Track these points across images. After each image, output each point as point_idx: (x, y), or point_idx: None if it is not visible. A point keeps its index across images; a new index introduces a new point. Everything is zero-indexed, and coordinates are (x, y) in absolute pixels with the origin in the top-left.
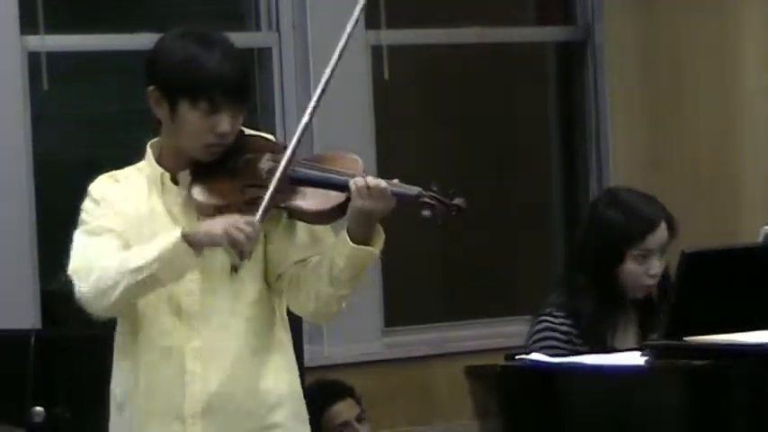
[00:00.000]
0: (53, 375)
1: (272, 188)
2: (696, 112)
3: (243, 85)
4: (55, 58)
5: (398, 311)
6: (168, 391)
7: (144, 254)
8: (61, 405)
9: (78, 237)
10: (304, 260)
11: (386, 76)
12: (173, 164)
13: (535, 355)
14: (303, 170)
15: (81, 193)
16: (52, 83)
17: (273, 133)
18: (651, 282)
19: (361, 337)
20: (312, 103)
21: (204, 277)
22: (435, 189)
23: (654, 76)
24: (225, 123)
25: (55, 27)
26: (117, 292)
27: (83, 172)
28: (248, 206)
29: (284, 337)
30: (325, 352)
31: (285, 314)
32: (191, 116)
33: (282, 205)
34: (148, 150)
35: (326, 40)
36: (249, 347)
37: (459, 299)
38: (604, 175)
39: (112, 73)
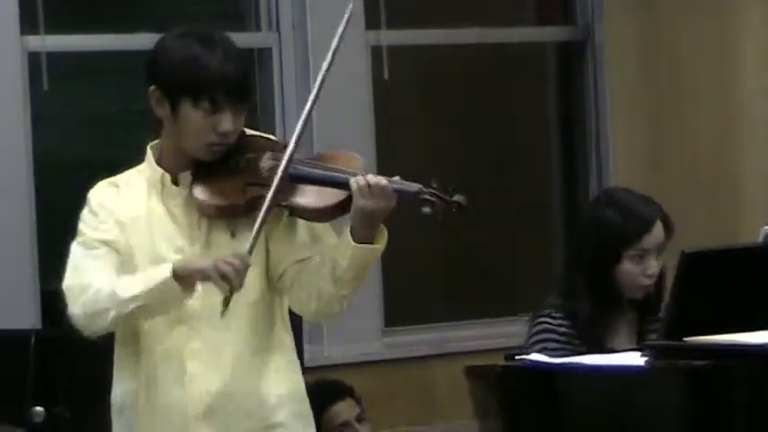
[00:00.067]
0: (53, 375)
1: (274, 187)
2: (696, 112)
3: (244, 85)
4: (55, 58)
5: (398, 311)
6: (169, 393)
7: (135, 285)
8: (61, 405)
9: (74, 250)
10: (305, 259)
11: (386, 76)
12: (173, 165)
13: (535, 356)
14: (304, 168)
15: (81, 193)
16: (52, 83)
17: (273, 133)
18: (648, 282)
19: (361, 337)
20: (308, 105)
21: None
22: (435, 186)
23: (654, 76)
24: (227, 123)
25: (55, 27)
26: (107, 319)
27: (83, 172)
28: (249, 205)
29: (285, 337)
30: (325, 352)
31: (287, 315)
32: (193, 116)
33: (283, 203)
34: (148, 152)
35: (326, 40)
36: (249, 348)
37: (459, 299)
38: (604, 175)
39: (112, 73)
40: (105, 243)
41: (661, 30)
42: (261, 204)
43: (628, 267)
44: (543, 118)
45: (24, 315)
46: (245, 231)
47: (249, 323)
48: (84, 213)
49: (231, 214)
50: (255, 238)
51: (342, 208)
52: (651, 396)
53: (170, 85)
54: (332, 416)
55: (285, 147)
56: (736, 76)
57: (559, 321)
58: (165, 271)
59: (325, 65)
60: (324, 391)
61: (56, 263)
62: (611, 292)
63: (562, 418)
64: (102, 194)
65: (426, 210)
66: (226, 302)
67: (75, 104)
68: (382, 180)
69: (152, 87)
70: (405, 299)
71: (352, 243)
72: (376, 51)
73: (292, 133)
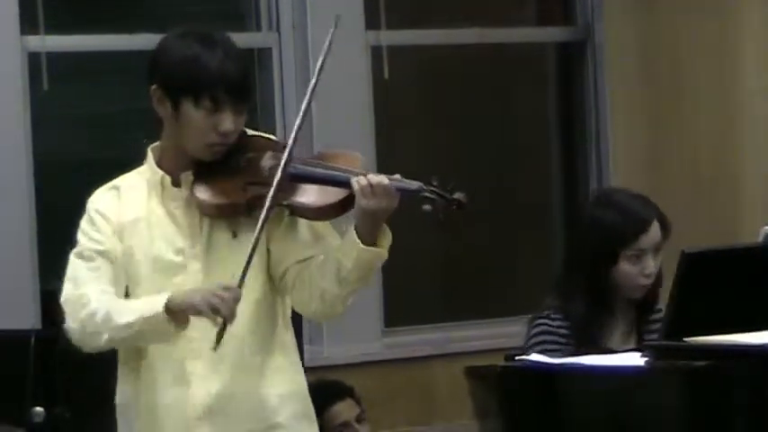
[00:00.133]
0: (53, 375)
1: (275, 185)
2: (696, 112)
3: (245, 84)
4: (55, 58)
5: (398, 312)
6: (169, 393)
7: (129, 313)
8: (61, 405)
9: (72, 261)
10: (307, 259)
11: (386, 76)
12: (174, 165)
13: (535, 356)
14: (304, 167)
15: (81, 193)
16: (52, 83)
17: (273, 133)
18: (646, 281)
19: (361, 337)
20: (304, 106)
21: (206, 278)
22: (436, 184)
23: (654, 76)
24: (228, 122)
25: (55, 27)
26: (101, 341)
27: (83, 172)
28: (250, 204)
29: (287, 337)
30: (325, 352)
31: (289, 315)
32: (194, 115)
33: (284, 202)
34: (149, 154)
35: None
36: (250, 348)
37: (459, 299)
38: (604, 175)
39: (112, 73)
40: (100, 254)
41: (661, 30)
42: (262, 203)
43: (625, 267)
44: (543, 118)
45: (24, 315)
46: (246, 232)
47: (250, 323)
48: (83, 222)
49: (232, 214)
50: (247, 265)
51: (342, 206)
52: (651, 396)
53: (171, 84)
54: (332, 416)
55: (285, 146)
56: (736, 76)
57: (558, 323)
58: (158, 305)
59: (313, 81)
60: (324, 391)
61: (56, 263)
62: (607, 292)
63: (562, 418)
64: (100, 201)
65: (427, 207)
66: (219, 335)
67: (75, 104)
68: (384, 179)
69: (153, 87)
70: (405, 299)
71: (359, 245)
72: (376, 51)
73: (292, 133)
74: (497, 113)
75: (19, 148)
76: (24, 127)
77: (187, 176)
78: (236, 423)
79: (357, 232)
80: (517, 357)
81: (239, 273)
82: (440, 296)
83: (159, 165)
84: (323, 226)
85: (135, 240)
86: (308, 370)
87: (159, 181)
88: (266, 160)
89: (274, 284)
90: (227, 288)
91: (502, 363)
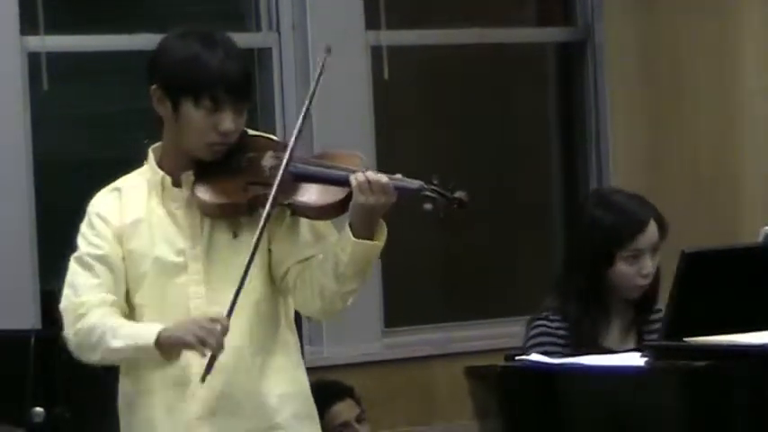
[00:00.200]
0: (53, 375)
1: (275, 185)
2: (696, 112)
3: (245, 84)
4: (55, 58)
5: (398, 312)
6: (171, 393)
7: (123, 339)
8: (61, 405)
9: (72, 266)
10: (308, 258)
11: (386, 76)
12: (174, 165)
13: (535, 356)
14: (305, 167)
15: (81, 193)
16: (52, 83)
17: (273, 133)
18: (644, 282)
19: (361, 337)
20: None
21: (207, 279)
22: (436, 183)
23: (654, 76)
24: (228, 122)
25: (55, 27)
26: (96, 358)
27: (83, 172)
28: (251, 204)
29: (290, 337)
30: (325, 352)
31: (292, 315)
32: (194, 115)
33: (285, 202)
34: (150, 155)
35: (326, 41)
36: (252, 348)
37: (459, 299)
38: (604, 175)
39: (112, 73)
40: (100, 259)
41: (661, 30)
42: (263, 203)
43: (622, 268)
44: (543, 118)
45: (24, 315)
46: (246, 232)
47: (252, 323)
48: (83, 226)
49: (233, 214)
50: (237, 293)
51: (343, 205)
52: (651, 396)
53: (171, 83)
54: (332, 416)
55: (286, 146)
56: (736, 76)
57: (557, 324)
58: (150, 337)
59: (304, 109)
60: (323, 391)
61: (56, 263)
62: (604, 292)
63: (562, 418)
64: (101, 204)
65: (428, 206)
66: (208, 367)
67: (74, 104)
68: (382, 177)
69: (153, 86)
70: (405, 299)
71: (352, 238)
72: (376, 51)
73: (292, 133)
74: (497, 113)
75: (19, 148)
76: (24, 127)
77: (188, 176)
78: (237, 423)
79: (353, 227)
80: (517, 357)
81: (230, 300)
82: (440, 296)
83: (160, 165)
84: (324, 225)
85: (136, 242)
86: (308, 370)
87: (160, 181)
88: (267, 160)
89: (276, 285)
90: (214, 320)
91: (502, 363)
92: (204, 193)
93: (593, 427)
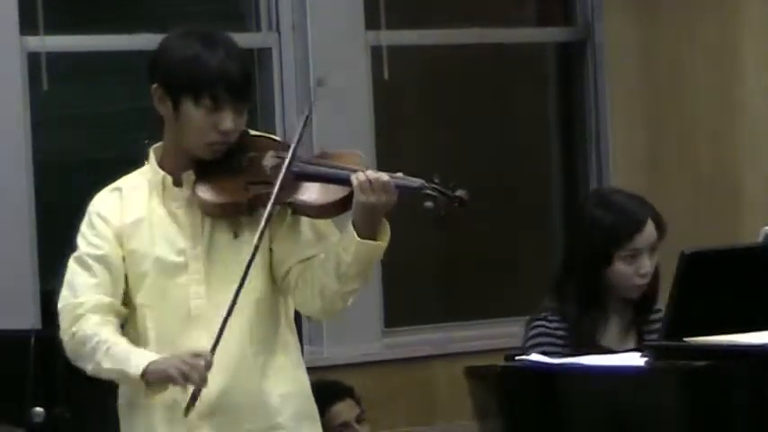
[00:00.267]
0: (53, 375)
1: (277, 186)
2: (696, 112)
3: (245, 83)
4: (55, 58)
5: (398, 312)
6: (171, 393)
7: (112, 360)
8: (61, 405)
9: (71, 265)
10: (309, 258)
11: (386, 76)
12: (175, 165)
13: (535, 356)
14: (306, 166)
15: (81, 193)
16: (52, 83)
17: (273, 133)
18: (642, 281)
19: (361, 337)
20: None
21: (207, 279)
22: (437, 181)
23: (654, 76)
24: (228, 121)
25: (55, 27)
26: (87, 368)
27: (83, 172)
28: (252, 204)
29: (290, 337)
30: (325, 352)
31: (292, 315)
32: (194, 114)
33: (286, 201)
34: (151, 154)
35: (326, 40)
36: (253, 347)
37: (458, 299)
38: (604, 175)
39: (112, 73)
40: (99, 259)
41: (661, 29)
42: (263, 203)
43: (621, 268)
44: (543, 118)
45: (24, 315)
46: (247, 232)
47: (253, 323)
48: (83, 226)
49: (234, 213)
50: (225, 322)
51: (344, 204)
52: (651, 396)
53: (171, 82)
54: (332, 416)
55: (288, 146)
56: (736, 76)
57: (556, 324)
58: (137, 368)
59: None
60: (323, 391)
61: (56, 263)
62: (602, 292)
63: (562, 418)
64: (101, 204)
65: (429, 205)
66: (191, 402)
67: (74, 104)
68: (383, 176)
69: (154, 85)
70: (405, 299)
71: (356, 238)
72: (376, 51)
73: (292, 133)
74: (497, 113)
75: (19, 148)
76: (24, 127)
77: (189, 176)
78: (237, 423)
79: (355, 227)
80: (517, 357)
81: (217, 330)
82: (440, 296)
83: (161, 165)
84: (325, 225)
85: (137, 242)
86: (308, 370)
87: (161, 181)
88: (268, 160)
89: (276, 284)
90: (198, 355)
91: (502, 363)
92: (205, 193)
93: (593, 427)
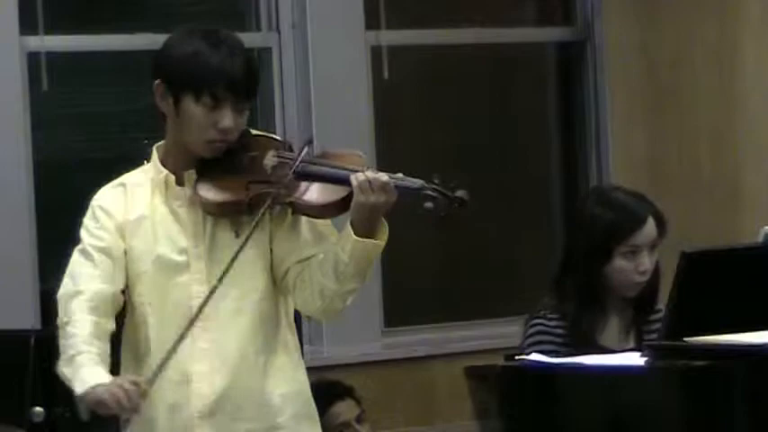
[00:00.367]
0: (53, 375)
1: (277, 185)
2: (696, 112)
3: (247, 82)
4: (54, 58)
5: (398, 312)
6: (173, 391)
7: (68, 370)
8: (61, 405)
9: (73, 256)
10: (308, 258)
11: (386, 76)
12: (177, 164)
13: (535, 356)
14: (306, 165)
15: (81, 193)
16: (52, 83)
17: (273, 132)
18: (641, 279)
19: (361, 337)
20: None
21: (209, 278)
22: (437, 182)
23: (654, 76)
24: (227, 119)
25: (54, 27)
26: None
27: (83, 172)
28: (252, 203)
29: (290, 337)
30: (325, 352)
31: (292, 315)
32: (194, 111)
33: (287, 200)
34: (153, 153)
35: (326, 40)
36: (254, 347)
37: (459, 299)
38: (604, 175)
39: (112, 73)
40: (101, 250)
41: (661, 29)
42: (264, 202)
43: (620, 264)
44: (543, 118)
45: (24, 315)
46: (247, 231)
47: (253, 323)
48: (86, 218)
49: (234, 212)
50: (174, 347)
51: (344, 204)
52: (651, 396)
53: (173, 79)
54: (332, 416)
55: (289, 146)
56: (735, 75)
57: (555, 323)
58: (81, 386)
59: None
60: (323, 391)
61: (56, 263)
62: (601, 290)
63: (562, 418)
64: (104, 197)
65: (429, 205)
66: (124, 425)
67: (74, 104)
68: (383, 176)
69: (157, 82)
70: (405, 299)
71: (353, 237)
72: (376, 51)
73: (292, 133)
74: (497, 113)
75: (19, 148)
76: (24, 127)
77: (190, 174)
78: (237, 423)
79: (353, 226)
80: (517, 357)
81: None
82: (440, 296)
83: (163, 163)
84: (324, 225)
85: (138, 239)
86: (308, 370)
87: (163, 179)
88: (270, 158)
89: (276, 285)
90: (135, 383)
91: (502, 363)
92: (206, 191)
93: (593, 426)
